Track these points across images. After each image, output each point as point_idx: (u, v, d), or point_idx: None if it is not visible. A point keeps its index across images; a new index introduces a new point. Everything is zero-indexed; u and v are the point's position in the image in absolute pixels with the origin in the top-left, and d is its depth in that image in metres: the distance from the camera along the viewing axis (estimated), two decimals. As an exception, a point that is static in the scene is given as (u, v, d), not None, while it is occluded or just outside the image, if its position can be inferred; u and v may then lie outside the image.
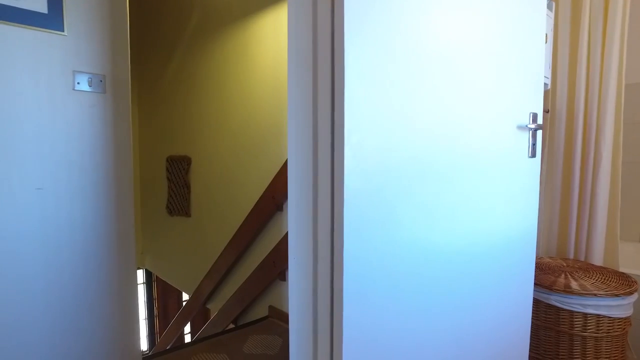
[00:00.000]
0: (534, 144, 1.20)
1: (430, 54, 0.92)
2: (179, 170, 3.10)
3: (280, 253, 2.13)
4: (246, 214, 2.37)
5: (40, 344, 1.31)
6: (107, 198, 1.44)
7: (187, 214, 3.05)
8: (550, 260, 1.71)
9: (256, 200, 2.28)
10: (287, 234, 2.13)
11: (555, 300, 1.40)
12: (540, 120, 1.20)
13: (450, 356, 1.05)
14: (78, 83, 1.36)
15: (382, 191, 0.88)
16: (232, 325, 2.63)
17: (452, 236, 1.02)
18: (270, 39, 2.15)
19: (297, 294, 0.94)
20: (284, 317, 2.18)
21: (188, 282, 3.16)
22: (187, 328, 3.82)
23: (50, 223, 1.32)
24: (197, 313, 3.24)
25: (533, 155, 1.20)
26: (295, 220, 0.92)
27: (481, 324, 1.12)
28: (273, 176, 2.13)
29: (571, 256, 1.79)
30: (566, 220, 1.81)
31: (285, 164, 2.05)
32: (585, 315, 1.36)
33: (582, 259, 1.76)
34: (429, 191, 0.95)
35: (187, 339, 5.03)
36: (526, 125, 1.17)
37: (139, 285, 3.95)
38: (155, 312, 4.90)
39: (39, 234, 1.30)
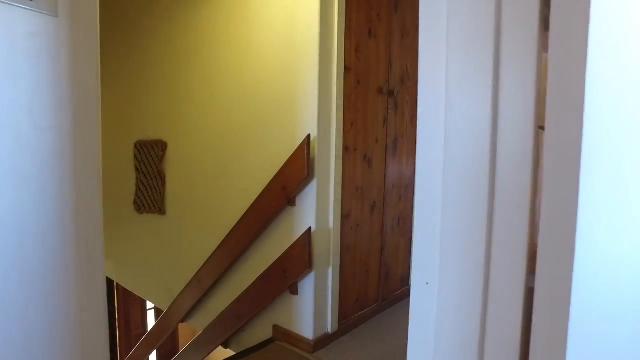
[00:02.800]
0: None
1: None
2: (150, 158, 2.55)
3: (292, 260, 1.68)
4: (243, 211, 1.89)
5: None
6: (59, 183, 0.93)
7: (160, 211, 2.51)
8: None
9: (259, 193, 1.81)
10: (301, 236, 1.67)
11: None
12: None
13: None
14: (10, -4, 0.84)
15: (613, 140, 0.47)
16: (221, 348, 2.13)
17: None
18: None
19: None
20: (293, 340, 1.74)
21: (161, 294, 2.61)
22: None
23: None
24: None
25: None
26: (441, 200, 0.49)
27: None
28: (284, 162, 1.68)
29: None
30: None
31: (302, 146, 1.60)
32: None
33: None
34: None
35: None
36: None
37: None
38: (117, 326, 4.24)
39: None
